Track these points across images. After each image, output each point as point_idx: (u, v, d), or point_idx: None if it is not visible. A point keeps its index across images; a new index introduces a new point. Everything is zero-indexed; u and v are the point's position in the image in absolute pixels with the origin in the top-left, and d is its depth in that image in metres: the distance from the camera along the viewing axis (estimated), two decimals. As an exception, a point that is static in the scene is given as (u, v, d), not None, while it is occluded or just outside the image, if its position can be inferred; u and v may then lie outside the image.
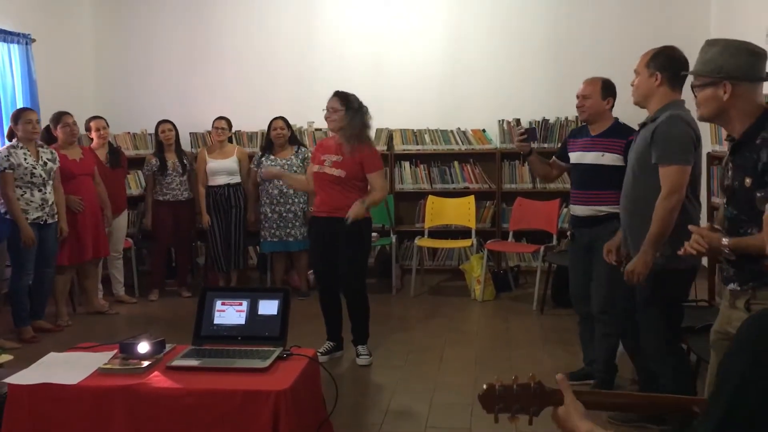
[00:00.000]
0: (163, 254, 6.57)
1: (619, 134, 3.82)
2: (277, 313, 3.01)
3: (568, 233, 4.15)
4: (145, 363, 2.78)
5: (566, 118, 6.74)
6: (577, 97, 3.94)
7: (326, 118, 4.47)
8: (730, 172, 2.40)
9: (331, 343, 4.71)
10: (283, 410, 2.54)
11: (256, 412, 2.55)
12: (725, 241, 2.29)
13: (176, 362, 2.80)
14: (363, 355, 4.63)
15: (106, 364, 2.79)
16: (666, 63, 3.13)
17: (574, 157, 3.98)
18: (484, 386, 1.57)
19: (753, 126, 2.33)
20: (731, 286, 2.40)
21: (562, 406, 1.52)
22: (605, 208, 3.79)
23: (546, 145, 6.67)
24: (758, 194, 2.25)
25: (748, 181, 2.29)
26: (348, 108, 4.39)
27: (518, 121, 6.80)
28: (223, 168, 6.39)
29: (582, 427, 1.45)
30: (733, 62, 2.36)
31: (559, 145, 4.73)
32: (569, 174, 4.13)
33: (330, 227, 4.46)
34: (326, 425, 2.99)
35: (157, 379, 2.69)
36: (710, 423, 1.12)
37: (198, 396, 2.61)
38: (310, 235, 4.88)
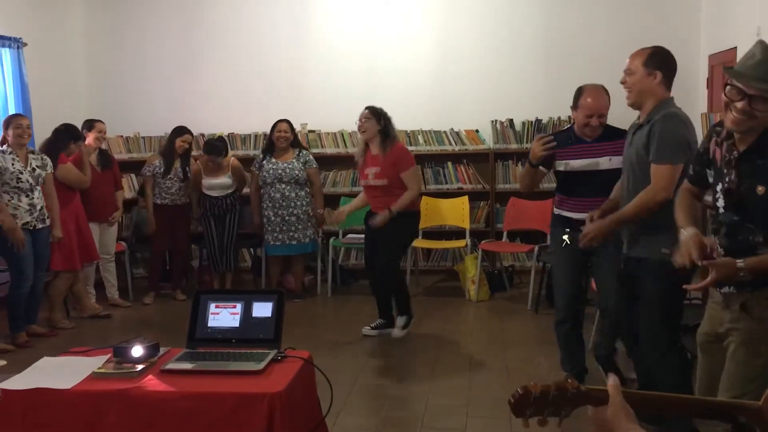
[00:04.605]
0: (160, 258, 6.56)
1: (617, 135, 3.68)
2: (272, 315, 2.99)
3: (566, 236, 3.97)
4: (139, 367, 2.76)
5: (559, 118, 6.74)
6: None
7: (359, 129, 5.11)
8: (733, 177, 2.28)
9: (381, 321, 5.25)
10: (277, 413, 2.53)
11: (251, 414, 2.54)
12: (740, 263, 2.17)
13: (170, 366, 2.79)
14: (396, 327, 5.20)
15: (99, 368, 2.77)
16: (663, 61, 3.14)
17: (578, 164, 3.83)
18: (519, 390, 1.43)
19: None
20: (726, 289, 2.31)
21: (604, 406, 1.41)
22: None
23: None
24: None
25: (761, 188, 2.20)
26: (377, 117, 5.03)
27: (511, 121, 6.82)
28: (218, 184, 6.43)
29: (630, 430, 1.37)
30: None
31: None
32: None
33: None
34: (321, 427, 2.99)
35: (152, 383, 2.68)
36: None
37: (192, 399, 2.59)
38: (365, 228, 5.40)
